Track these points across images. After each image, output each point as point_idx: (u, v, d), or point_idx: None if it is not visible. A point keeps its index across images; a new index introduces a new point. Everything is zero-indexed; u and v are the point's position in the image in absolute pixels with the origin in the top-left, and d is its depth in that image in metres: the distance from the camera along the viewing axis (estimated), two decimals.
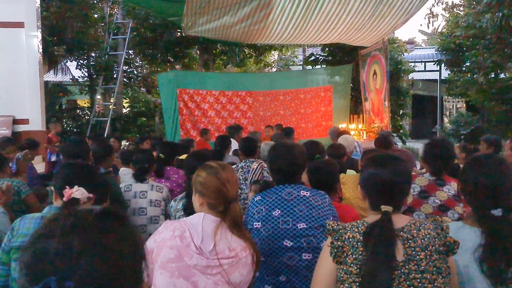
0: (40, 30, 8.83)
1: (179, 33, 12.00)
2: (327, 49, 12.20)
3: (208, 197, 1.95)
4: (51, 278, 0.69)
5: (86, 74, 12.97)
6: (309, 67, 13.06)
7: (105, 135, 9.69)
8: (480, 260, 1.74)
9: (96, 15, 13.42)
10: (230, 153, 5.57)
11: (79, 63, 12.80)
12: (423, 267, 1.56)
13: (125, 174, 4.16)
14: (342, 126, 9.47)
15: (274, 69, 17.72)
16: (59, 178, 2.10)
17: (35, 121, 7.82)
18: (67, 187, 1.92)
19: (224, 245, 1.87)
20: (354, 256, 1.59)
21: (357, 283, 1.57)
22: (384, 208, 1.64)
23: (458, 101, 18.95)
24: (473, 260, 1.76)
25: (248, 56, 14.24)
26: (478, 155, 2.21)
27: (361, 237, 1.60)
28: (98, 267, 0.74)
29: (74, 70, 13.38)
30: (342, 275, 1.60)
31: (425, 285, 1.54)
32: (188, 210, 3.05)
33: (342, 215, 2.66)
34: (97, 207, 0.86)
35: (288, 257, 2.37)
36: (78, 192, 1.91)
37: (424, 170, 3.09)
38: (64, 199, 1.91)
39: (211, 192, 1.94)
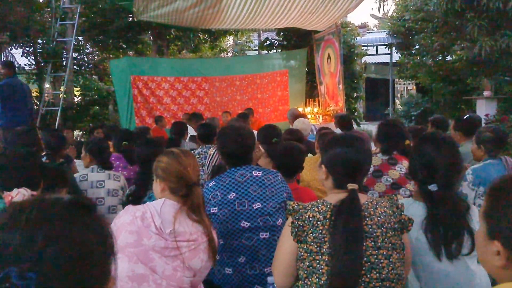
0: None
1: (130, 18, 11.62)
2: (282, 33, 12.23)
3: (170, 182, 1.98)
4: (12, 268, 0.67)
5: (33, 62, 12.34)
6: (265, 52, 13.07)
7: (56, 125, 9.29)
8: (424, 232, 1.85)
9: (41, 0, 12.76)
10: (187, 139, 5.52)
11: (25, 51, 12.14)
12: (379, 244, 1.62)
13: (80, 165, 4.04)
14: (299, 110, 9.57)
15: (229, 54, 17.59)
16: None
17: None
18: (5, 192, 1.83)
19: (183, 229, 1.88)
20: (314, 235, 1.62)
21: (317, 261, 1.61)
22: (351, 186, 1.68)
23: (409, 83, 19.57)
24: (422, 233, 1.86)
25: (203, 41, 14.02)
26: (423, 135, 2.35)
27: (320, 216, 1.64)
28: (62, 259, 0.72)
29: (20, 58, 12.69)
30: (302, 253, 1.64)
31: (381, 260, 1.61)
32: (132, 197, 3.02)
33: (301, 197, 2.71)
34: (65, 196, 0.82)
35: (246, 238, 2.41)
36: (19, 195, 1.81)
37: (378, 150, 3.20)
38: (6, 203, 1.82)
39: (173, 176, 1.97)
